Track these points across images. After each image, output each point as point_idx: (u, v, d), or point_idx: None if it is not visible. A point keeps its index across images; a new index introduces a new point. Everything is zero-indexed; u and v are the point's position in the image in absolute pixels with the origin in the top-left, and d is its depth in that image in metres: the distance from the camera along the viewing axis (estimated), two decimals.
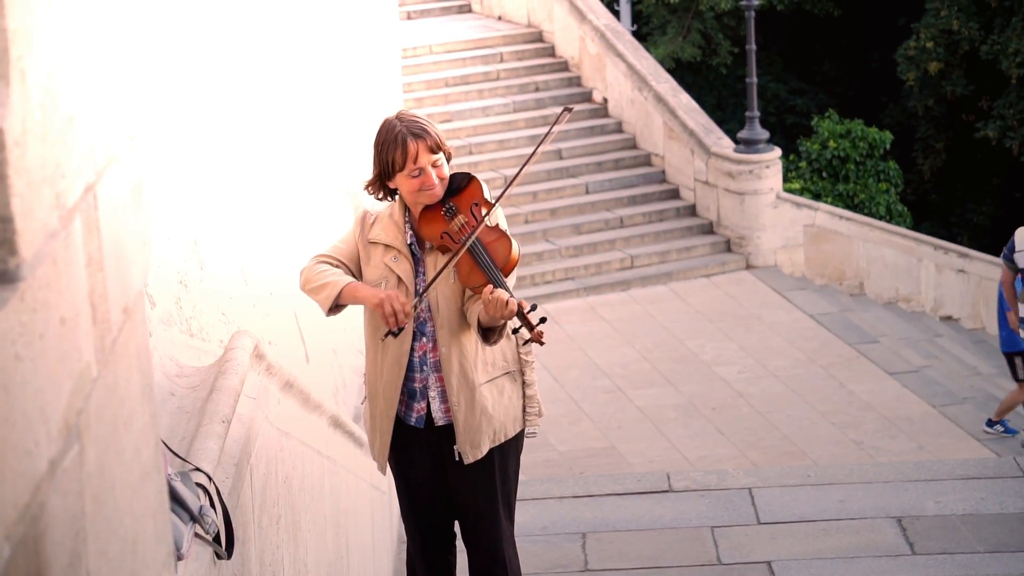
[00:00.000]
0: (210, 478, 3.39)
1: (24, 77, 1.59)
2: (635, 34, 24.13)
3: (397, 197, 4.74)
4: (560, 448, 13.03)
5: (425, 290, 4.60)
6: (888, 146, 20.18)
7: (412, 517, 4.97)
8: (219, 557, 3.29)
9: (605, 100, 19.65)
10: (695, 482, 7.46)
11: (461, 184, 4.70)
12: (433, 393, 4.73)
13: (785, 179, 19.15)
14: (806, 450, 12.92)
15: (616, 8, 25.39)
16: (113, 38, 2.01)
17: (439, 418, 4.74)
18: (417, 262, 4.72)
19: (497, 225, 4.67)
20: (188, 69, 6.58)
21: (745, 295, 16.90)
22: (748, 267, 17.65)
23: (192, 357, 4.61)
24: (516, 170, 4.70)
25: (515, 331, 4.58)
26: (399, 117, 4.68)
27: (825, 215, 17.66)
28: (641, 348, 15.36)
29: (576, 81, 20.06)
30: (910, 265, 16.78)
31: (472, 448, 4.71)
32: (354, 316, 4.92)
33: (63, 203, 1.71)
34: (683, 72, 24.06)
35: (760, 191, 17.77)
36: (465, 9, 21.97)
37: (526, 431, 4.84)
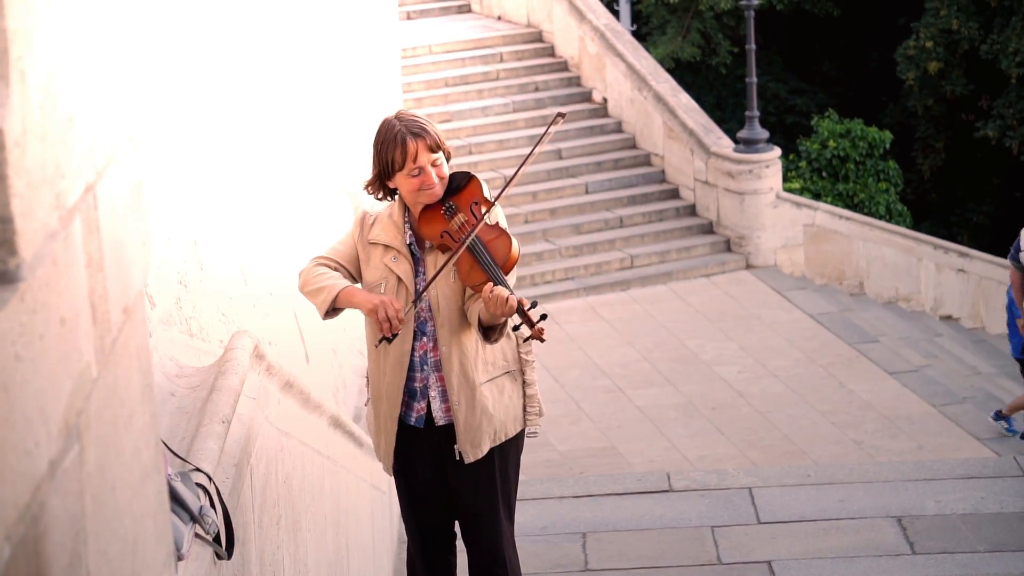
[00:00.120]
0: (210, 478, 3.39)
1: (24, 77, 1.59)
2: (635, 34, 24.13)
3: (397, 197, 4.74)
4: (560, 448, 13.03)
5: (425, 288, 4.60)
6: (888, 146, 20.17)
7: (412, 517, 4.97)
8: (219, 557, 3.29)
9: (605, 100, 19.65)
10: (695, 482, 7.46)
11: (461, 183, 4.71)
12: (433, 393, 4.73)
13: (785, 179, 19.15)
14: (806, 450, 12.92)
15: (615, 8, 25.39)
16: (113, 38, 2.01)
17: (439, 418, 4.74)
18: (417, 262, 4.72)
19: (497, 223, 4.68)
20: (188, 69, 6.58)
21: (745, 295, 16.90)
22: (748, 267, 17.65)
23: (192, 357, 4.61)
24: (515, 170, 4.70)
25: (516, 328, 4.58)
26: (398, 117, 4.68)
27: (825, 215, 17.66)
28: (641, 348, 15.36)
29: (576, 81, 20.05)
30: (910, 265, 16.78)
31: (473, 448, 4.71)
32: (354, 316, 4.92)
33: (63, 203, 1.71)
34: (683, 72, 24.06)
35: (760, 191, 17.77)
36: (465, 9, 21.97)
37: (527, 431, 4.84)
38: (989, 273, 15.89)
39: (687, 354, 15.15)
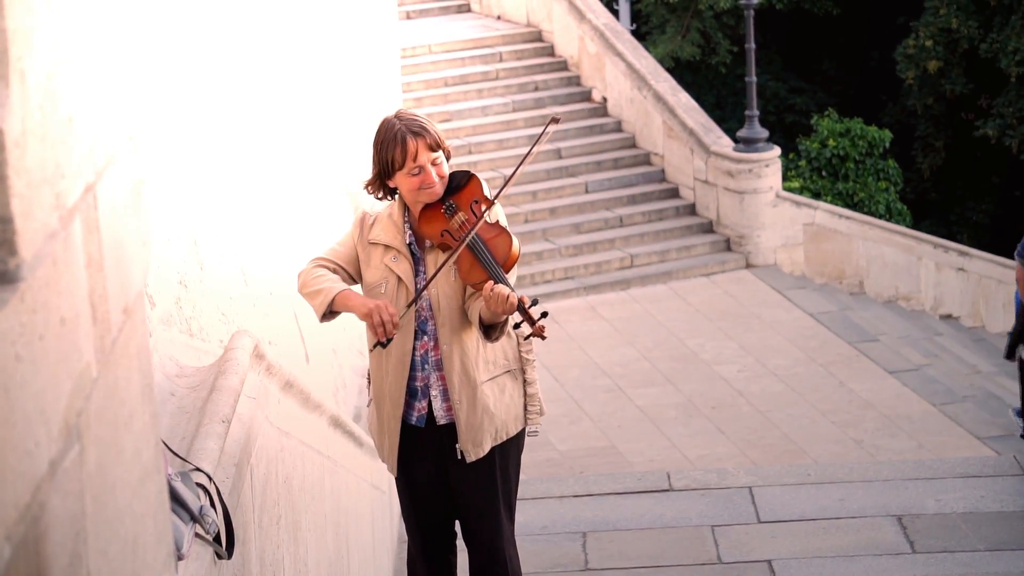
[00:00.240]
0: (210, 478, 3.39)
1: (24, 77, 1.59)
2: (634, 33, 24.13)
3: (397, 197, 4.74)
4: (560, 447, 13.03)
5: (425, 286, 4.60)
6: (887, 145, 20.17)
7: (413, 516, 4.97)
8: (219, 557, 3.29)
9: (604, 99, 19.65)
10: (695, 481, 7.46)
11: (461, 182, 4.71)
12: (435, 392, 4.73)
13: (785, 178, 19.15)
14: (806, 449, 12.92)
15: (615, 7, 25.40)
16: (112, 38, 2.01)
17: (441, 417, 4.74)
18: (417, 261, 4.72)
19: (497, 222, 4.68)
20: (188, 69, 6.58)
21: (745, 294, 16.90)
22: (748, 266, 17.65)
23: (192, 357, 4.61)
24: (513, 171, 4.70)
25: (516, 326, 4.58)
26: (398, 116, 4.68)
27: (825, 214, 17.66)
28: (641, 347, 15.36)
29: (575, 80, 20.05)
30: (910, 264, 16.78)
31: (474, 447, 4.71)
32: (353, 316, 4.92)
33: (63, 203, 1.71)
34: (682, 71, 24.06)
35: (760, 190, 17.77)
36: (464, 9, 21.97)
37: (527, 429, 4.84)
38: (989, 272, 15.89)
39: (687, 353, 15.15)
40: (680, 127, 18.45)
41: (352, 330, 7.76)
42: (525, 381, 4.80)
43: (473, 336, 4.65)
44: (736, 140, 18.08)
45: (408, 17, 21.22)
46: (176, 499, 3.12)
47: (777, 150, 18.12)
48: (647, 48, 22.08)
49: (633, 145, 19.17)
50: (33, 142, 1.61)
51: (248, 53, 8.46)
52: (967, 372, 14.87)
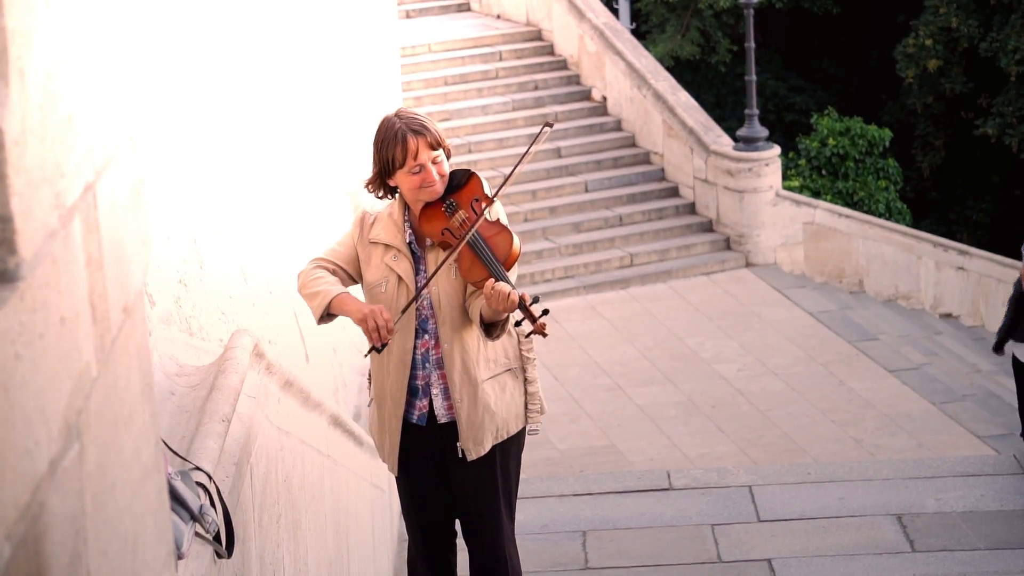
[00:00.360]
0: (210, 477, 3.39)
1: (24, 77, 1.59)
2: (634, 32, 24.13)
3: (397, 195, 4.74)
4: (560, 446, 13.03)
5: (425, 284, 4.60)
6: (887, 143, 20.17)
7: (413, 515, 4.97)
8: (219, 556, 3.29)
9: (604, 98, 19.65)
10: (695, 480, 7.46)
11: (461, 180, 4.71)
12: (435, 390, 4.73)
13: (784, 177, 19.15)
14: (806, 448, 12.92)
15: (615, 6, 25.39)
16: (112, 38, 2.01)
17: (442, 415, 4.74)
18: (417, 260, 4.72)
19: (498, 220, 4.68)
20: (188, 69, 6.58)
21: (745, 293, 16.90)
22: (748, 265, 17.65)
23: (192, 356, 4.61)
24: (510, 171, 4.70)
25: (518, 324, 4.58)
26: (398, 115, 4.68)
27: (824, 213, 17.66)
28: (641, 346, 15.36)
29: (575, 79, 20.05)
30: (910, 262, 16.78)
31: (475, 445, 4.71)
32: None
33: (62, 203, 1.71)
34: (682, 70, 24.05)
35: (759, 189, 17.77)
36: (464, 8, 21.97)
37: (528, 428, 4.84)
38: (989, 271, 15.89)
39: (687, 352, 15.15)
40: (680, 126, 18.44)
41: (352, 329, 7.75)
42: (526, 379, 4.80)
43: (474, 334, 4.65)
44: (736, 139, 18.08)
45: (408, 16, 21.22)
46: (176, 498, 3.13)
47: (777, 149, 18.12)
48: (647, 47, 22.08)
49: (633, 144, 19.17)
50: (33, 141, 1.61)
51: (248, 53, 8.46)
52: (967, 371, 14.87)
